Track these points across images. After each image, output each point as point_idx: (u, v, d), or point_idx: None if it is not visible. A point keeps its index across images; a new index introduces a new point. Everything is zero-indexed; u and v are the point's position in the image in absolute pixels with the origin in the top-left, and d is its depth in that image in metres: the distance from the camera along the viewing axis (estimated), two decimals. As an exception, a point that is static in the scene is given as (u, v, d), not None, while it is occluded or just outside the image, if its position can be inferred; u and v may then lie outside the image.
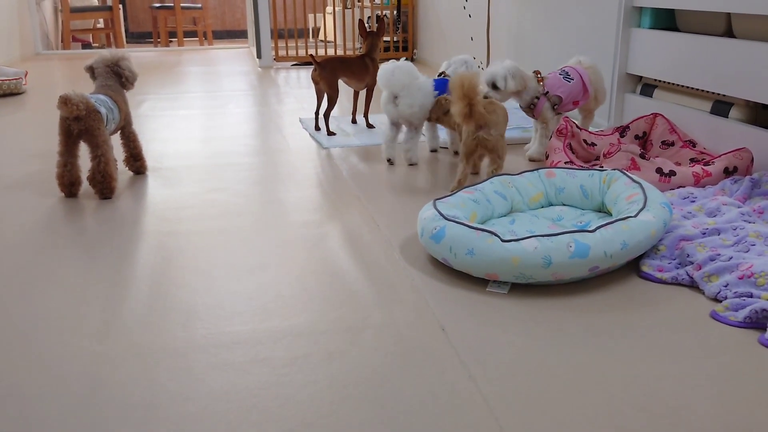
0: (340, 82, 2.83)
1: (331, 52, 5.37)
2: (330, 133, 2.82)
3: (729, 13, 2.12)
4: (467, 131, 1.96)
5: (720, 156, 2.01)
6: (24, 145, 2.70)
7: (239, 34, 8.62)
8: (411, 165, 2.37)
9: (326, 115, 2.82)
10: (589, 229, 1.40)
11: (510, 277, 1.38)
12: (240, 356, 1.17)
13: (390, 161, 2.39)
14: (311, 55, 2.85)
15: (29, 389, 1.07)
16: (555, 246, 1.35)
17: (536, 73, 2.35)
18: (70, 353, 1.18)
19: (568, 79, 2.35)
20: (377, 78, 2.31)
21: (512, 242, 1.37)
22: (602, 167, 1.98)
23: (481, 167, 2.26)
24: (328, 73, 2.75)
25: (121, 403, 1.04)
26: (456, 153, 2.50)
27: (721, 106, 2.17)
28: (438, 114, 2.27)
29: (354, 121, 3.08)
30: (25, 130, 3.00)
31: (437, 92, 2.30)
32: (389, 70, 2.25)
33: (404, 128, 2.37)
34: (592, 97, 2.41)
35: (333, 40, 5.78)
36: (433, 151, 2.58)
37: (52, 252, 1.63)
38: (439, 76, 2.49)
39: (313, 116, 2.95)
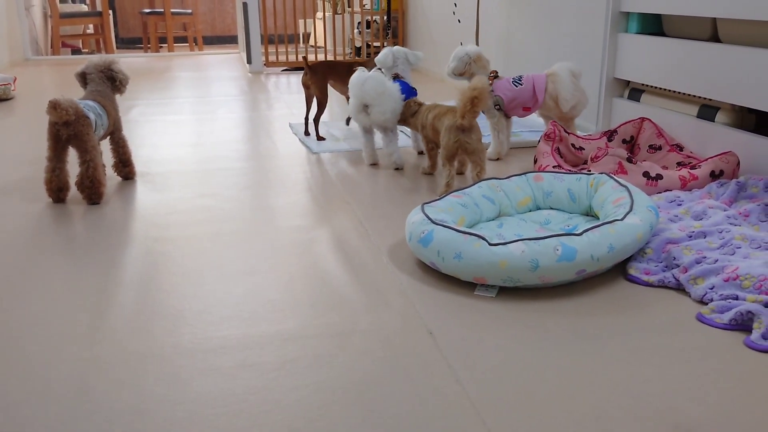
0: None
1: (321, 57, 5.37)
2: (320, 138, 2.82)
3: (715, 18, 2.14)
4: (447, 135, 1.98)
5: (706, 160, 2.02)
6: (12, 151, 2.69)
7: (229, 40, 8.62)
8: (397, 169, 2.38)
9: (316, 120, 2.83)
10: (576, 232, 1.41)
11: (497, 280, 1.39)
12: (228, 361, 1.17)
13: (375, 165, 2.44)
14: (304, 57, 2.85)
15: (16, 395, 1.07)
16: (542, 249, 1.36)
17: (492, 72, 2.48)
18: (58, 358, 1.17)
19: (517, 84, 2.45)
20: (348, 87, 2.33)
21: (500, 246, 1.38)
22: (590, 171, 2.00)
23: (465, 171, 2.28)
24: (319, 77, 2.76)
25: (108, 408, 1.03)
26: (420, 153, 2.60)
27: (708, 111, 2.19)
28: (406, 116, 2.31)
29: (348, 124, 3.10)
30: (14, 135, 2.98)
31: (404, 95, 2.34)
32: (360, 81, 2.26)
33: (379, 134, 2.41)
34: (549, 104, 2.42)
35: (323, 45, 5.78)
36: (420, 153, 2.60)
37: (39, 257, 1.63)
38: (394, 78, 2.52)
39: (303, 121, 2.95)
